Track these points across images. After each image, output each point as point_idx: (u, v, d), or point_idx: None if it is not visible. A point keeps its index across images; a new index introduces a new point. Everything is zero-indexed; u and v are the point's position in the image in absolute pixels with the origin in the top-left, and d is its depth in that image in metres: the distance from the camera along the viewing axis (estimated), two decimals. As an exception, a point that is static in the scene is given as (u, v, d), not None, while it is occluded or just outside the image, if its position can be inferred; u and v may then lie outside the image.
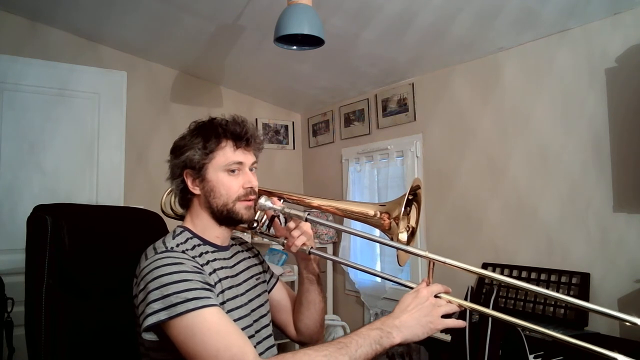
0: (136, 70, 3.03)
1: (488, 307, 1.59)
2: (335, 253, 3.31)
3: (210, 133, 1.10)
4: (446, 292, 1.02)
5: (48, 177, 2.67)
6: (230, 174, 1.11)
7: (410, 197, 1.09)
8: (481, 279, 2.33)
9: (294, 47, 1.93)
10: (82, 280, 1.21)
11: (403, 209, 1.04)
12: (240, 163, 1.11)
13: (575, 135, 2.08)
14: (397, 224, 1.05)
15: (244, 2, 2.21)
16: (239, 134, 1.11)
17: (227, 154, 1.10)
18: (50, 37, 2.72)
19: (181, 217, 1.33)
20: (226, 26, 2.47)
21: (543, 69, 2.20)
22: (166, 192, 1.35)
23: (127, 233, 1.37)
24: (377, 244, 2.91)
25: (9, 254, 2.36)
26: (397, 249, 1.06)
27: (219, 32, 2.55)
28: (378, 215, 1.08)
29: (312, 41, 1.87)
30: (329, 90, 3.27)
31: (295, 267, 3.10)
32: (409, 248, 1.04)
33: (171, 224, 1.46)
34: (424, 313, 0.98)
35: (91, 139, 2.84)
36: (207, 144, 1.09)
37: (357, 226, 1.23)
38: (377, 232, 1.17)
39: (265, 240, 2.95)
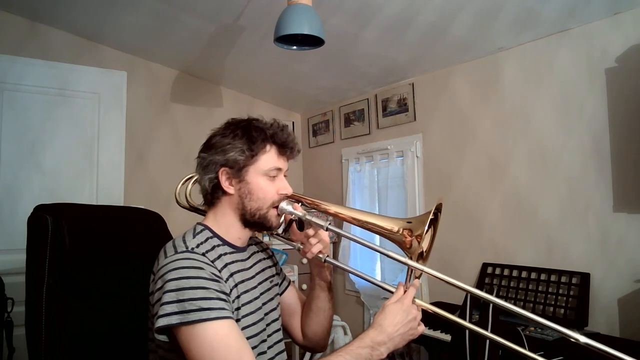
0: (136, 70, 3.03)
1: (488, 307, 1.59)
2: (335, 253, 3.31)
3: (256, 136, 1.08)
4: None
5: (48, 177, 2.67)
6: (269, 178, 1.10)
7: (432, 217, 1.06)
8: (480, 282, 2.33)
9: (294, 47, 1.93)
10: (82, 280, 1.22)
11: (427, 227, 1.02)
12: (279, 169, 1.11)
13: (575, 135, 2.08)
14: (419, 243, 1.03)
15: (244, 2, 2.21)
16: (284, 141, 1.11)
17: (270, 159, 1.10)
18: (50, 37, 2.72)
19: (195, 209, 1.32)
20: (226, 26, 2.47)
21: (543, 69, 2.20)
22: (181, 182, 1.34)
23: (127, 233, 1.37)
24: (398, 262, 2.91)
25: (9, 254, 2.35)
26: (398, 261, 1.06)
27: (219, 32, 2.55)
28: (401, 231, 1.06)
29: (312, 41, 1.87)
30: (329, 90, 3.27)
31: (295, 267, 3.10)
32: (411, 262, 1.03)
33: (172, 223, 1.46)
34: (409, 327, 1.01)
35: (91, 139, 2.84)
36: (252, 146, 1.07)
37: (356, 232, 1.22)
38: (377, 240, 1.15)
39: (266, 238, 2.97)
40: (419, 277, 1.09)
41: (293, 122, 3.82)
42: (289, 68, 2.94)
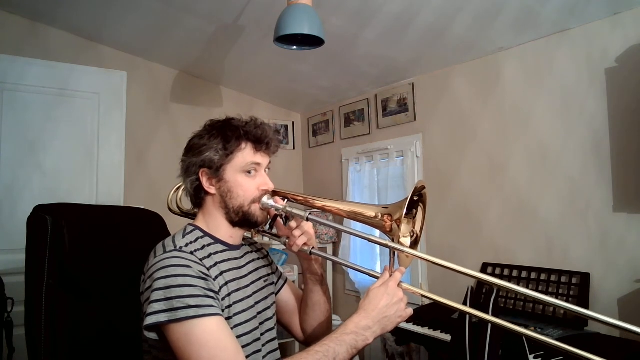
0: (136, 70, 3.03)
1: (488, 307, 1.59)
2: (335, 253, 3.31)
3: (231, 134, 1.10)
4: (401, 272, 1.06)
5: (48, 177, 2.67)
6: (247, 175, 1.11)
7: (415, 199, 1.08)
8: (480, 281, 2.33)
9: (294, 47, 1.93)
10: (82, 280, 1.22)
11: (405, 211, 1.03)
12: (257, 164, 1.12)
13: (575, 135, 2.08)
14: (399, 226, 1.04)
15: (244, 2, 2.21)
16: (259, 137, 1.11)
17: (246, 155, 1.11)
18: (50, 37, 2.72)
19: (186, 214, 1.34)
20: (226, 26, 2.47)
21: (543, 69, 2.20)
22: (173, 190, 1.37)
23: (127, 233, 1.37)
24: (378, 245, 2.91)
25: (9, 254, 2.36)
26: (379, 244, 1.07)
27: (219, 32, 2.55)
28: (380, 216, 1.08)
29: (312, 41, 1.87)
30: (329, 90, 3.27)
31: (296, 267, 3.10)
32: (392, 244, 1.04)
33: (172, 224, 1.46)
34: (395, 309, 1.01)
35: (91, 139, 2.84)
36: (227, 145, 1.09)
37: (357, 226, 1.23)
38: (377, 233, 1.17)
39: (266, 239, 2.96)
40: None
41: (293, 122, 3.82)
42: (289, 68, 2.94)
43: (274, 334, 1.19)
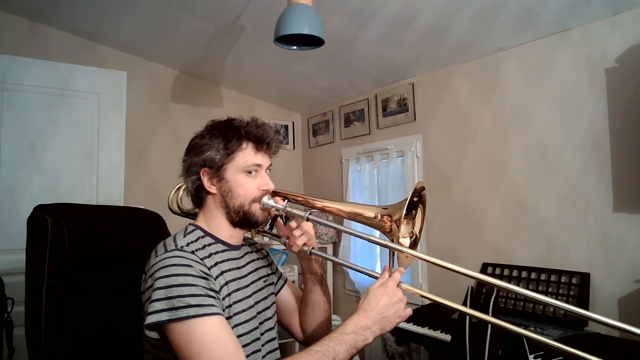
0: (136, 70, 3.03)
1: (488, 307, 1.59)
2: (335, 253, 3.31)
3: (232, 134, 1.10)
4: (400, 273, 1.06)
5: (48, 177, 2.67)
6: (248, 175, 1.12)
7: (415, 199, 1.09)
8: (480, 282, 2.33)
9: (294, 47, 1.93)
10: (82, 280, 1.22)
11: (405, 212, 1.03)
12: (258, 165, 1.13)
13: (575, 135, 2.08)
14: (398, 227, 1.05)
15: (244, 2, 2.21)
16: (260, 137, 1.12)
17: (247, 155, 1.11)
18: (50, 37, 2.72)
19: (187, 214, 1.35)
20: (226, 26, 2.47)
21: (543, 69, 2.20)
22: (173, 190, 1.38)
23: (127, 233, 1.37)
24: (378, 245, 2.91)
25: (9, 254, 2.36)
26: (377, 243, 1.07)
27: (219, 32, 2.55)
28: (379, 217, 1.08)
29: (312, 41, 1.87)
30: (329, 90, 3.27)
31: (295, 267, 3.10)
32: (391, 244, 1.04)
33: (172, 224, 1.47)
34: (395, 309, 1.01)
35: (91, 139, 2.84)
36: (228, 145, 1.10)
37: (357, 227, 1.23)
38: (377, 234, 1.17)
39: (266, 239, 2.97)
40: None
41: (293, 122, 3.82)
42: (289, 68, 2.94)
43: (273, 333, 1.19)
